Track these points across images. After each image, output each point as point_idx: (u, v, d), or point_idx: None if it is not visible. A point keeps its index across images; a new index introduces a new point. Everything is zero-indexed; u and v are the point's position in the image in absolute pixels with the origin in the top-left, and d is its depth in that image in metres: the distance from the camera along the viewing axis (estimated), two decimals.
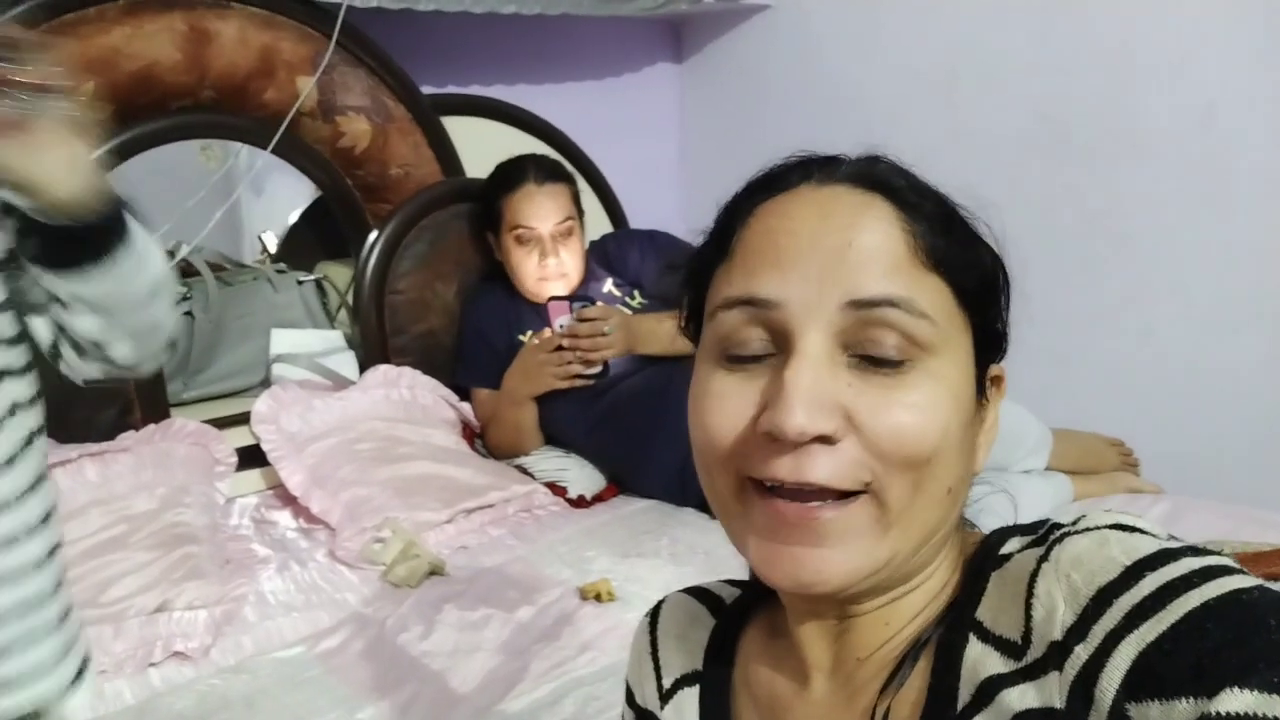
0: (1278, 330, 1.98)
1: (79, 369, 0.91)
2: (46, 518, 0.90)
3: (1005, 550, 0.56)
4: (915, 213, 0.56)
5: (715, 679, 0.68)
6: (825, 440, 0.52)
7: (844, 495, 0.53)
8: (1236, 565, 0.47)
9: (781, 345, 0.55)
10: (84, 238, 0.82)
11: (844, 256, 0.53)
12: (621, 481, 2.20)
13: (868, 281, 0.53)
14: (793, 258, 0.54)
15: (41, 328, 0.90)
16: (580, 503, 2.11)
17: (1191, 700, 0.42)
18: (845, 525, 0.53)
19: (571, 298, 2.19)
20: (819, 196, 0.56)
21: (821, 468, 0.52)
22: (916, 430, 0.52)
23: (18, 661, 0.87)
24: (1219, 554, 0.48)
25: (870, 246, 0.54)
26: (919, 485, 0.53)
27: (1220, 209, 2.02)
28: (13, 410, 0.86)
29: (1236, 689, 0.41)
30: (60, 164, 0.79)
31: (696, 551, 1.81)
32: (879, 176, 0.57)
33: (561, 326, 2.17)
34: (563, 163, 2.43)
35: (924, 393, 0.53)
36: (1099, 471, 1.99)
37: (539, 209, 2.24)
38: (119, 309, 0.85)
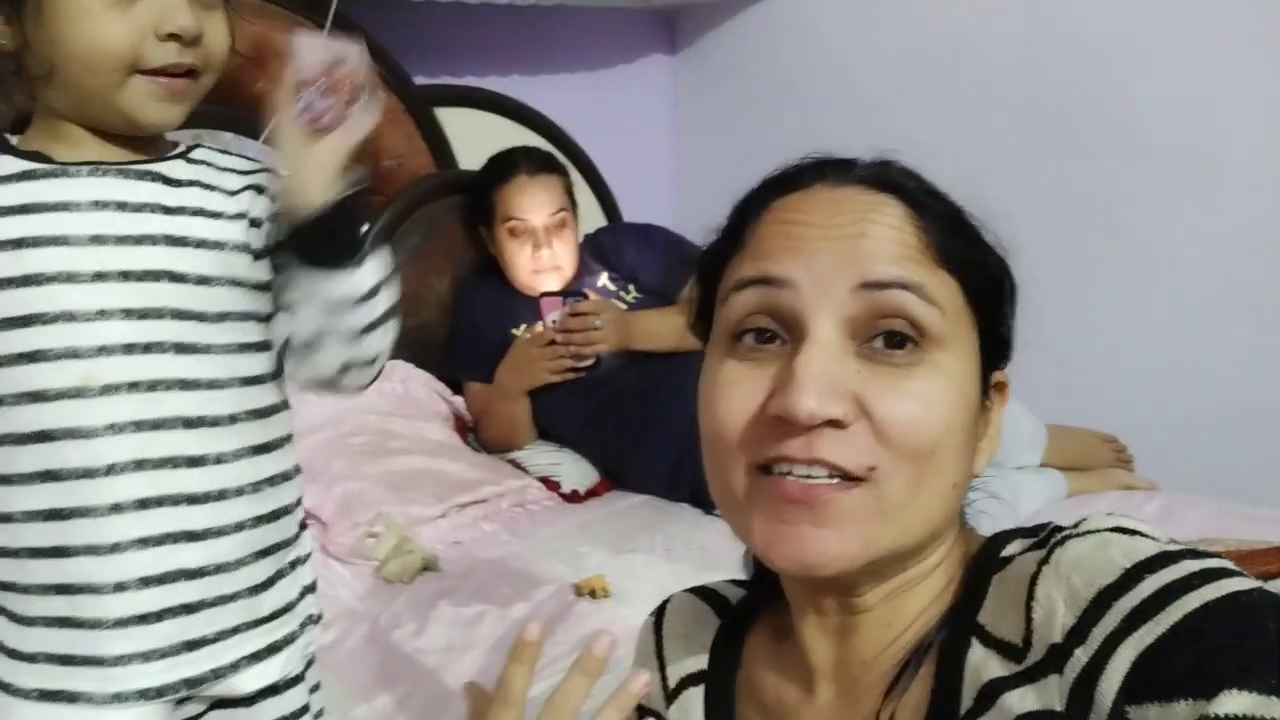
0: (1273, 325, 1.98)
1: (292, 372, 0.96)
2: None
3: (1007, 553, 0.56)
4: (926, 212, 0.57)
5: (721, 680, 0.68)
6: (836, 425, 0.53)
7: (848, 480, 0.53)
8: (1236, 568, 0.48)
9: (792, 333, 0.56)
10: (336, 241, 0.88)
11: (857, 244, 0.55)
12: (615, 476, 2.19)
13: (880, 266, 0.54)
14: (806, 243, 0.56)
15: (281, 326, 0.95)
16: (574, 497, 2.11)
17: (1190, 702, 0.43)
18: (847, 508, 0.53)
19: (564, 293, 2.18)
20: (833, 195, 0.58)
21: (830, 449, 0.53)
22: (923, 420, 0.53)
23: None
24: (1218, 557, 0.49)
25: (883, 237, 0.55)
26: (922, 477, 0.54)
27: (1215, 202, 2.02)
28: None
29: (1234, 690, 0.42)
30: (331, 169, 0.86)
31: (691, 547, 1.80)
32: (890, 178, 0.59)
33: (554, 322, 2.15)
34: (555, 155, 2.41)
35: (931, 384, 0.54)
36: (1093, 468, 2.00)
37: (531, 200, 2.23)
38: (341, 315, 0.90)
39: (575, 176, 2.61)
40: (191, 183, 0.90)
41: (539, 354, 2.15)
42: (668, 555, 1.79)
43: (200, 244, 0.88)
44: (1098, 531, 0.51)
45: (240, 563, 0.90)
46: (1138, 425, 2.08)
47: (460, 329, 2.33)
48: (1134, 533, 0.51)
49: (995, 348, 0.60)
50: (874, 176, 0.59)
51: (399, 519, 1.84)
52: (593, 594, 1.63)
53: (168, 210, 0.88)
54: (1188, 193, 2.06)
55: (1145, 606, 0.46)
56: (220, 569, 0.88)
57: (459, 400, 2.32)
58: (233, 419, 0.89)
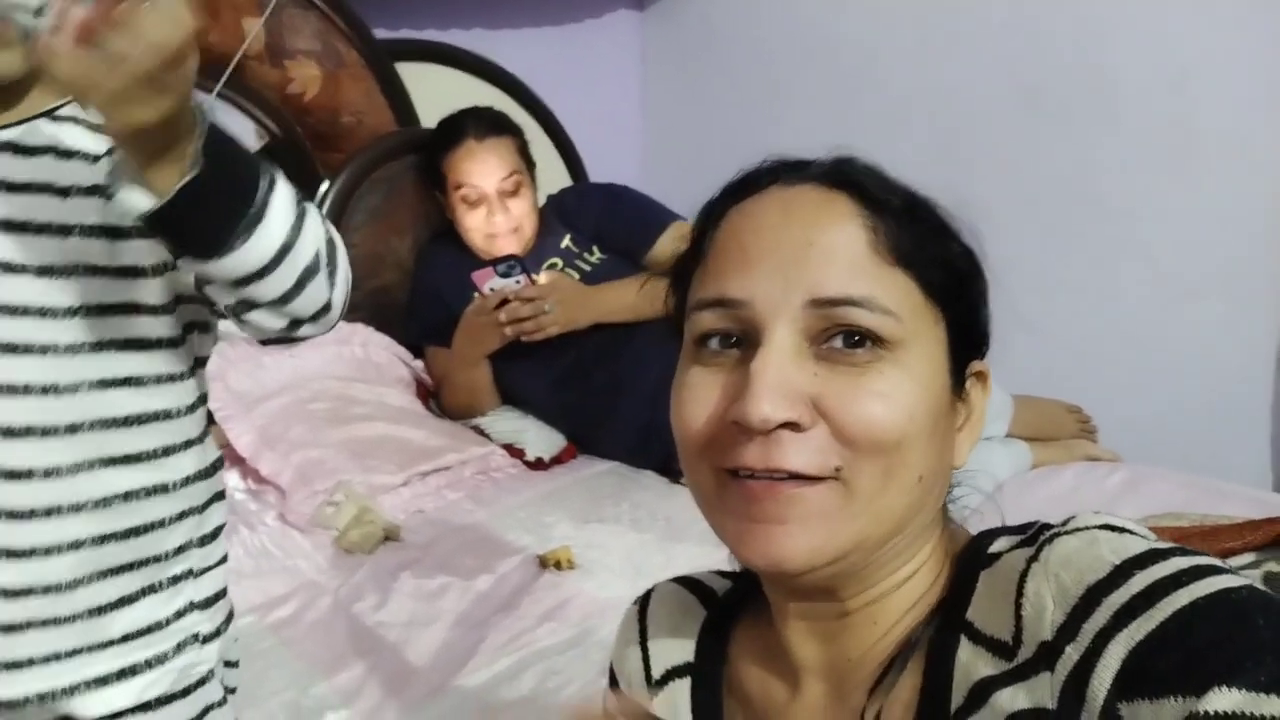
0: (1241, 298, 1.99)
1: (252, 331, 0.87)
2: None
3: (994, 549, 0.56)
4: (879, 208, 0.57)
5: (708, 673, 0.68)
6: (794, 428, 0.53)
7: (811, 479, 0.53)
8: (1225, 565, 0.48)
9: (751, 340, 0.56)
10: (211, 225, 0.74)
11: (806, 255, 0.55)
12: (580, 442, 2.17)
13: (828, 281, 0.55)
14: (757, 257, 0.56)
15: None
16: (538, 465, 2.08)
17: (1180, 699, 0.43)
18: (812, 504, 0.53)
19: (494, 261, 2.12)
20: (784, 196, 0.58)
21: (791, 454, 0.53)
22: (883, 417, 0.53)
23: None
24: (1206, 554, 0.49)
25: (831, 245, 0.55)
26: (888, 472, 0.54)
27: (1189, 174, 2.02)
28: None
29: (1224, 687, 0.42)
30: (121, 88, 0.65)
31: (657, 517, 1.79)
32: (845, 174, 0.59)
33: (492, 290, 2.10)
34: (507, 115, 2.33)
35: (890, 381, 0.54)
36: (1057, 438, 2.00)
37: (481, 166, 2.17)
38: (248, 285, 0.78)
39: (539, 134, 2.55)
40: (46, 149, 0.81)
41: (488, 320, 2.10)
42: (634, 525, 1.78)
43: (42, 229, 0.79)
44: (1086, 529, 0.52)
45: (78, 583, 0.83)
46: (1105, 396, 2.09)
47: (421, 293, 2.28)
48: (1122, 530, 0.52)
49: (970, 338, 0.60)
50: (829, 173, 0.59)
51: (360, 487, 1.81)
52: (558, 565, 1.61)
53: (11, 188, 0.79)
54: (1162, 164, 2.05)
55: (1135, 603, 0.46)
56: (50, 589, 0.82)
57: (420, 365, 2.29)
58: (73, 429, 0.81)
